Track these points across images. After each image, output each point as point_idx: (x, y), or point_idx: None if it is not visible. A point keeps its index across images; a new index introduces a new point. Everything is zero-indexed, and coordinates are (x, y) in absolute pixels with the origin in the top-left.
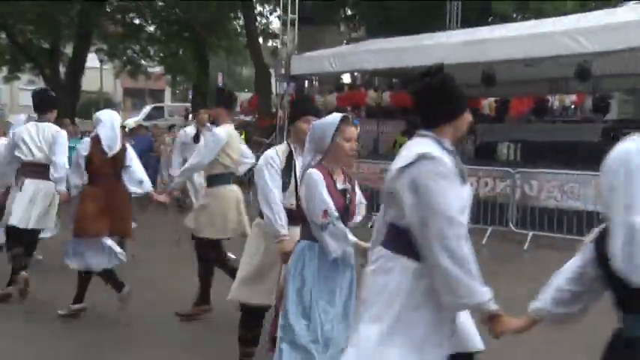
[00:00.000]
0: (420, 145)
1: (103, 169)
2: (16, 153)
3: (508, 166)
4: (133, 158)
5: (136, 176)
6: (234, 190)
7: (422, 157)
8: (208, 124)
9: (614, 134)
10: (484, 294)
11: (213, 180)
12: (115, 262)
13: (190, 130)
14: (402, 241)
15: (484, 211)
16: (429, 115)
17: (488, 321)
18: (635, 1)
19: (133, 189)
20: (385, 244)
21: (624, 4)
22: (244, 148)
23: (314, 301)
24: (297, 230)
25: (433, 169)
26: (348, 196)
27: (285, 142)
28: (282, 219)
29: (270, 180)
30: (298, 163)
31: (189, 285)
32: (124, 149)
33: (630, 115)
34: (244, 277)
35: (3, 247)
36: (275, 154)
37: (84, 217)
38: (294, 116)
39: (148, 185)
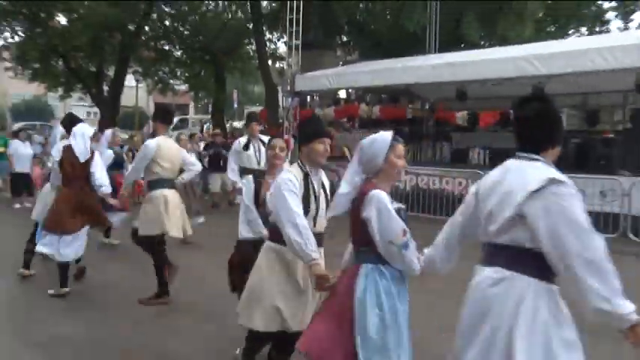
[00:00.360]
0: (538, 168)
1: (75, 173)
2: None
3: (478, 168)
4: (97, 165)
5: (99, 182)
6: (165, 194)
7: (552, 182)
8: (259, 135)
9: (563, 142)
10: (624, 307)
11: (149, 185)
12: (80, 253)
13: (243, 140)
14: (531, 262)
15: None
16: (536, 139)
17: (629, 332)
18: (577, 34)
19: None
20: (509, 266)
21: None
22: (187, 157)
23: (398, 321)
24: (321, 251)
25: (567, 191)
26: (402, 214)
27: (296, 164)
28: (312, 243)
29: (294, 204)
30: (316, 186)
31: (214, 271)
32: (92, 157)
33: (576, 127)
34: (259, 305)
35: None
36: (293, 177)
37: (61, 215)
38: (308, 138)
39: (106, 189)
